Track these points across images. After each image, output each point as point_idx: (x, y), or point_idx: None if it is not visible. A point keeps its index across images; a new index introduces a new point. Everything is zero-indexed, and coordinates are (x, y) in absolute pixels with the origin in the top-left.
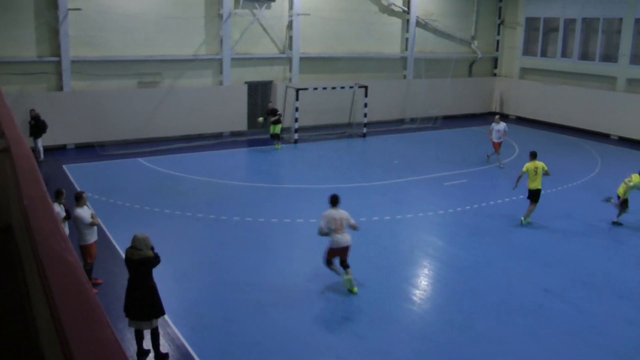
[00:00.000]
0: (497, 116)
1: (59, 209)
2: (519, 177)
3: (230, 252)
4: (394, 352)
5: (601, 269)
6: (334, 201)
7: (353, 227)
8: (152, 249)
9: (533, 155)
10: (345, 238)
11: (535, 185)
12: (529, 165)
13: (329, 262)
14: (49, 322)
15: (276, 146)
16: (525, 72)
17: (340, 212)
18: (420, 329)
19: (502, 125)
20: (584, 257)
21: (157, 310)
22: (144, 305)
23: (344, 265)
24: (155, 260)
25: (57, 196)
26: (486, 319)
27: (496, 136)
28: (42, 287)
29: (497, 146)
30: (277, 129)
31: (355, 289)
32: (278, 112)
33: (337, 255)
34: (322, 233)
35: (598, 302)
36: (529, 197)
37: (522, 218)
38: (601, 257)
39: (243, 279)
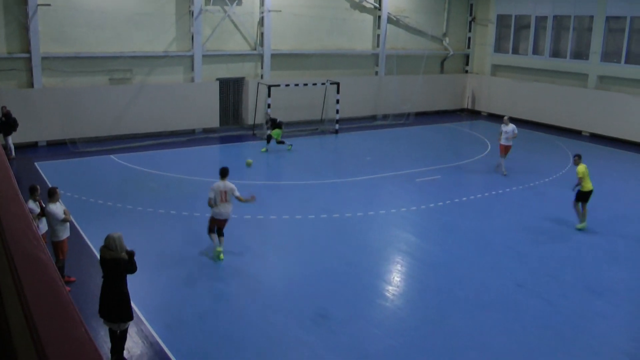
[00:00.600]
0: (505, 117)
1: (33, 206)
2: (579, 182)
3: (203, 249)
4: (368, 348)
5: (573, 264)
6: (223, 173)
7: (239, 199)
8: (129, 252)
9: (580, 157)
10: (226, 210)
11: (589, 186)
12: (582, 167)
13: (210, 230)
14: (22, 321)
15: (263, 149)
16: (496, 69)
17: (226, 184)
18: (394, 324)
19: (511, 127)
20: (556, 252)
21: (125, 315)
22: (112, 308)
23: (220, 233)
24: (128, 264)
25: (32, 192)
26: (459, 314)
27: (504, 138)
28: (15, 285)
29: (503, 150)
30: (277, 134)
31: (222, 257)
32: (277, 121)
33: (216, 225)
34: (210, 204)
35: (571, 297)
36: (579, 200)
37: (580, 224)
38: (573, 252)
39: (216, 275)
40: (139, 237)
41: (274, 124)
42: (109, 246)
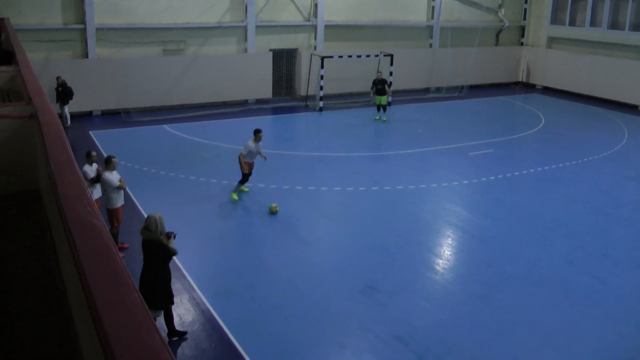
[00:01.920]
0: None
1: (88, 169)
2: None
3: (255, 220)
4: (416, 321)
5: (625, 242)
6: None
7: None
8: (167, 234)
9: None
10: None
11: None
12: None
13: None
14: (78, 285)
15: (376, 117)
16: (552, 41)
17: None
18: (443, 298)
19: None
20: (608, 230)
21: (157, 302)
22: (144, 293)
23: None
24: (164, 249)
25: (88, 156)
26: (509, 290)
27: None
28: (70, 250)
29: None
30: (383, 100)
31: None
32: (386, 82)
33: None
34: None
35: (621, 275)
36: None
37: None
38: (626, 229)
39: (266, 246)
40: (191, 207)
41: (380, 87)
42: (148, 227)
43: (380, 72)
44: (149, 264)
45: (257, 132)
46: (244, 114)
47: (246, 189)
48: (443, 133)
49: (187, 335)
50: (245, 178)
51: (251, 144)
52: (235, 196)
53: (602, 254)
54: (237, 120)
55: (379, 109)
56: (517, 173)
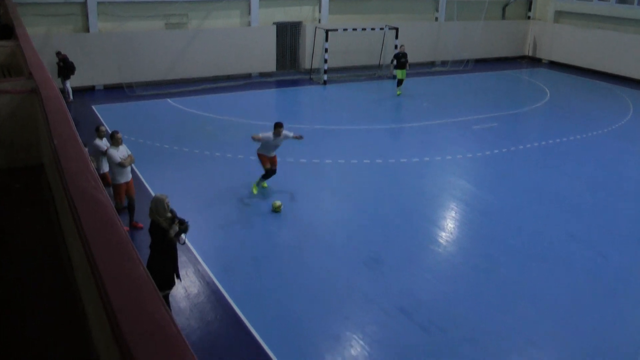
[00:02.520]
0: None
1: (100, 143)
2: None
3: (260, 193)
4: (420, 293)
5: (628, 217)
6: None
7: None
8: (173, 220)
9: None
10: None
11: None
12: None
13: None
14: (83, 258)
15: (398, 92)
16: (559, 15)
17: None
18: (446, 271)
19: None
20: (611, 205)
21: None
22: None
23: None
24: (161, 232)
25: (97, 131)
26: (511, 263)
27: None
28: (74, 224)
29: None
30: (404, 74)
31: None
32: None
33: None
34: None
35: (624, 251)
36: None
37: None
38: (629, 204)
39: (271, 219)
40: (195, 180)
41: (403, 60)
42: (150, 207)
43: (402, 45)
44: (150, 245)
45: (277, 126)
46: (248, 87)
47: (265, 184)
48: (448, 106)
49: (192, 308)
50: (267, 174)
51: (270, 135)
52: (255, 190)
53: (604, 229)
54: (241, 94)
55: (399, 83)
56: (521, 147)
